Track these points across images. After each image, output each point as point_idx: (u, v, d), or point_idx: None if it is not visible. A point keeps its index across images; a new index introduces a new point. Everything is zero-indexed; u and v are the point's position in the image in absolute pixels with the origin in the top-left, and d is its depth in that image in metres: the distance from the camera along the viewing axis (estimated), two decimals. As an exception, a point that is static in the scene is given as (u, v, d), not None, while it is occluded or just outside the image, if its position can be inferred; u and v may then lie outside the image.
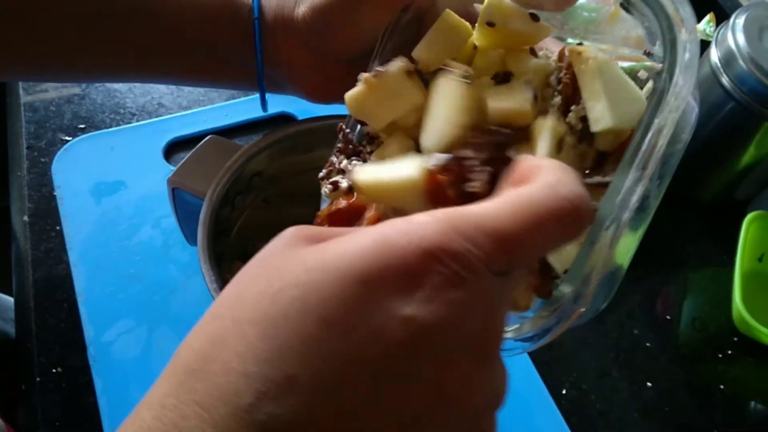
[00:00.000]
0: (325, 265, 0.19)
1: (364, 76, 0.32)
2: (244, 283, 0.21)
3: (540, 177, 0.22)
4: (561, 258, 0.27)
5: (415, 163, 0.25)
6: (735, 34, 0.58)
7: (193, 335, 0.20)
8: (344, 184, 0.32)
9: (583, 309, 0.25)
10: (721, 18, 0.62)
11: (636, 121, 0.29)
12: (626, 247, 0.27)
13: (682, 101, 0.26)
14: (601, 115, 0.29)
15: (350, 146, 0.34)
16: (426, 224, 0.20)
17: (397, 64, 0.32)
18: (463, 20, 0.34)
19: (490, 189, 0.24)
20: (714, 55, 0.60)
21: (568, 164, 0.29)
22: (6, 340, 0.66)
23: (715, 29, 0.62)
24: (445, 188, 0.24)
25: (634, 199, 0.26)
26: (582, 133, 0.30)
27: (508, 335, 0.27)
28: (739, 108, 0.59)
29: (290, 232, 0.22)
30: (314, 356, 0.18)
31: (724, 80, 0.59)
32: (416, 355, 0.19)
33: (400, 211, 0.28)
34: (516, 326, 0.27)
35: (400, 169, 0.25)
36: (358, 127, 0.36)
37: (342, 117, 0.37)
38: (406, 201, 0.26)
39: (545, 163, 0.23)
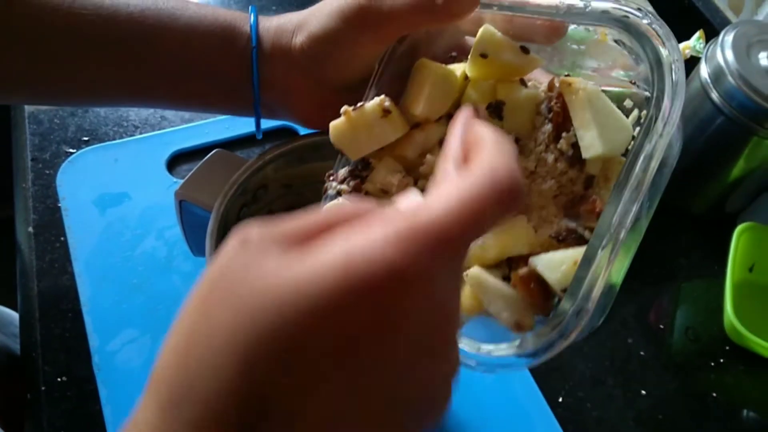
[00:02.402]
0: (286, 292, 0.20)
1: (344, 108, 0.34)
2: (211, 302, 0.22)
3: (481, 157, 0.23)
4: (559, 277, 0.28)
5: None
6: (724, 51, 0.60)
7: (165, 356, 0.22)
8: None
9: (585, 322, 0.27)
10: (711, 35, 0.64)
11: (624, 148, 0.30)
12: (620, 265, 0.28)
13: (671, 126, 0.28)
14: (591, 143, 0.30)
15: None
16: (384, 244, 0.21)
17: (375, 102, 0.34)
18: (446, 66, 0.35)
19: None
20: (704, 71, 0.61)
21: (559, 191, 0.31)
22: (7, 355, 0.66)
23: (705, 46, 0.63)
24: None
25: (630, 217, 0.27)
26: (572, 158, 0.32)
27: (510, 351, 0.28)
28: (728, 122, 0.60)
29: (254, 237, 0.22)
30: (280, 374, 0.20)
31: (714, 95, 0.60)
32: (378, 368, 0.21)
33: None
34: (517, 342, 0.28)
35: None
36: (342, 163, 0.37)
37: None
38: None
39: (486, 137, 0.24)
